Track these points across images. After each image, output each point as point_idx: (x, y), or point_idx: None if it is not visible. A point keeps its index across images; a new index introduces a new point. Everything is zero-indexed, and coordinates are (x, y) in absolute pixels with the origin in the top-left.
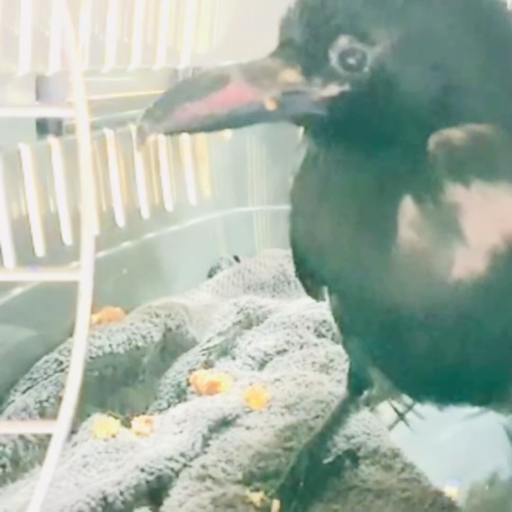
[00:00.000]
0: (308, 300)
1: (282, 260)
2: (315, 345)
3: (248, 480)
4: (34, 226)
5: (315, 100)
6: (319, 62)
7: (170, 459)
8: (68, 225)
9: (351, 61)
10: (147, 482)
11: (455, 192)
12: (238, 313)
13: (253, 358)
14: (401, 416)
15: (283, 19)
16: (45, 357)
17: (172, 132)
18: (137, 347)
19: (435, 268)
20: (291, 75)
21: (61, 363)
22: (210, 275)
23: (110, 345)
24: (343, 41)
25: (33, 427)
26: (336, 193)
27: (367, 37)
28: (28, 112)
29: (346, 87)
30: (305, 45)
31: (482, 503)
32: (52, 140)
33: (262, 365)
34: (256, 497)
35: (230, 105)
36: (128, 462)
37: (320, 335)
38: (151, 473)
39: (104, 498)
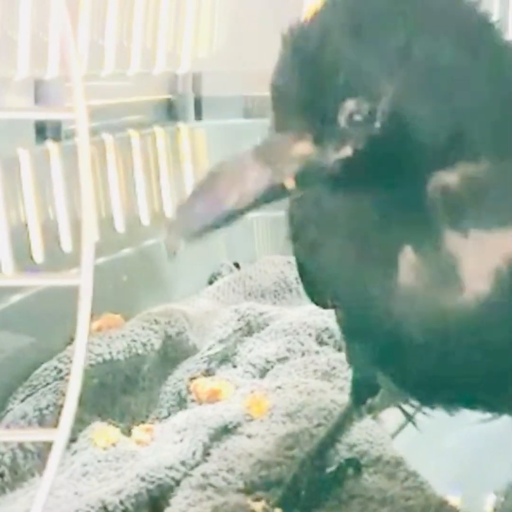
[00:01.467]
0: (310, 307)
1: (283, 267)
2: (317, 352)
3: (249, 489)
4: (33, 232)
5: (331, 165)
6: (329, 128)
7: (171, 468)
8: (67, 231)
9: (361, 119)
10: (148, 491)
11: (452, 239)
12: (239, 320)
13: (254, 365)
14: (409, 418)
15: (276, 85)
16: (44, 365)
17: (201, 235)
18: (137, 355)
19: (437, 313)
20: (305, 147)
21: (60, 371)
22: (210, 282)
23: (110, 353)
24: (350, 104)
25: (34, 435)
26: (341, 227)
27: (373, 94)
28: (28, 115)
29: (360, 145)
30: (312, 115)
31: None
32: (50, 145)
33: (263, 372)
34: (258, 506)
35: (252, 194)
36: (129, 471)
37: (321, 343)
38: (152, 482)
39: (104, 507)
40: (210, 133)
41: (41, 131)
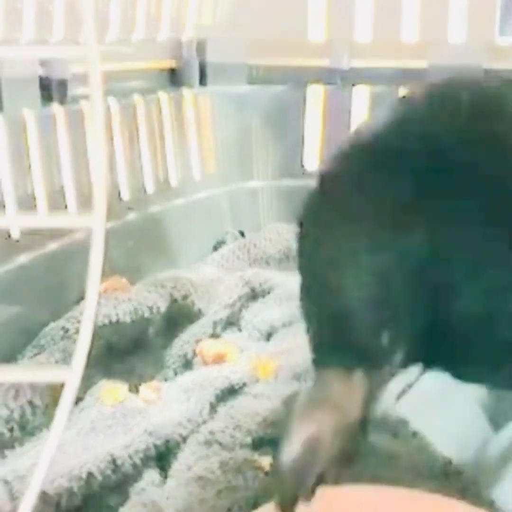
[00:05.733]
0: None
1: (287, 235)
2: None
3: (257, 444)
4: (39, 197)
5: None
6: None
7: (178, 424)
8: (72, 194)
9: None
10: (155, 446)
11: None
12: (244, 286)
13: (259, 329)
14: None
15: None
16: (52, 324)
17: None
18: (143, 317)
19: None
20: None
21: (68, 330)
22: (215, 249)
23: (117, 314)
24: None
25: (46, 375)
26: None
27: None
28: (37, 51)
29: None
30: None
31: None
32: (56, 108)
33: (268, 336)
34: (265, 461)
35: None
36: (136, 427)
37: None
38: (159, 438)
39: (113, 461)
40: (214, 99)
41: (47, 94)
